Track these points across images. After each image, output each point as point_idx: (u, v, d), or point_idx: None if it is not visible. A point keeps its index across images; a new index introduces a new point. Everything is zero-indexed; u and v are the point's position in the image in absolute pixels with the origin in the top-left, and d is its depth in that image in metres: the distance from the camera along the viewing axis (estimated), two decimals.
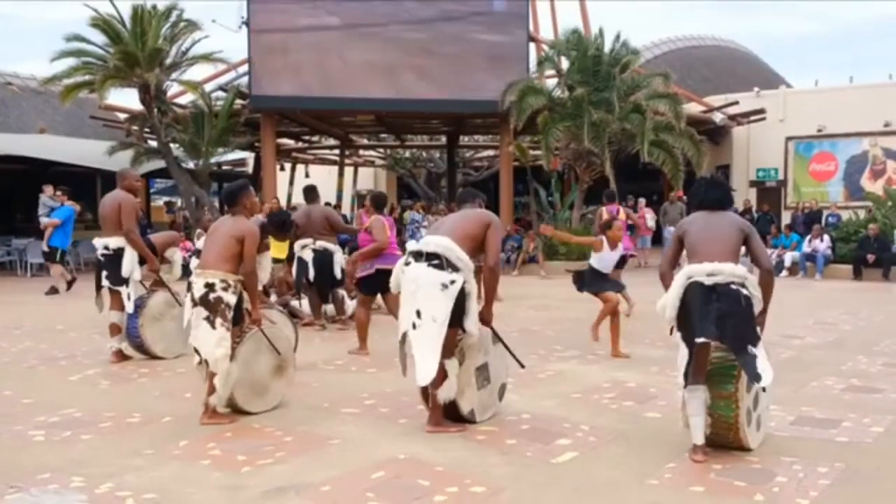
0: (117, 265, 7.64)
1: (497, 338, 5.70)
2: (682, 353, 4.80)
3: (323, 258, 9.52)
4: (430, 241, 5.35)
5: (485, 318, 5.50)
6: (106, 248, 7.76)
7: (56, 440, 5.22)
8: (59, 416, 5.78)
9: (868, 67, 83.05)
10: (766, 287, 4.90)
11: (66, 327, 9.87)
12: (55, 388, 6.75)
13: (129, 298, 7.68)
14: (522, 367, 5.95)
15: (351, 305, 10.25)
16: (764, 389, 4.92)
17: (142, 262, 7.81)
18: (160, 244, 8.02)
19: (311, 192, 10.27)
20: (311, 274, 9.55)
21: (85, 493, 4.23)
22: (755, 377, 4.60)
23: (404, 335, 5.31)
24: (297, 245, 9.55)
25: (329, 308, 10.00)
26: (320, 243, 9.52)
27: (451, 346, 5.27)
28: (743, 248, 4.95)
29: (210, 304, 5.51)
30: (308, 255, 9.55)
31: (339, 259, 9.69)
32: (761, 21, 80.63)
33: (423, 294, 5.20)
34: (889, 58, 73.96)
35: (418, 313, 5.20)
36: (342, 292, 9.91)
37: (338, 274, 9.61)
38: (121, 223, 7.66)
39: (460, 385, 5.33)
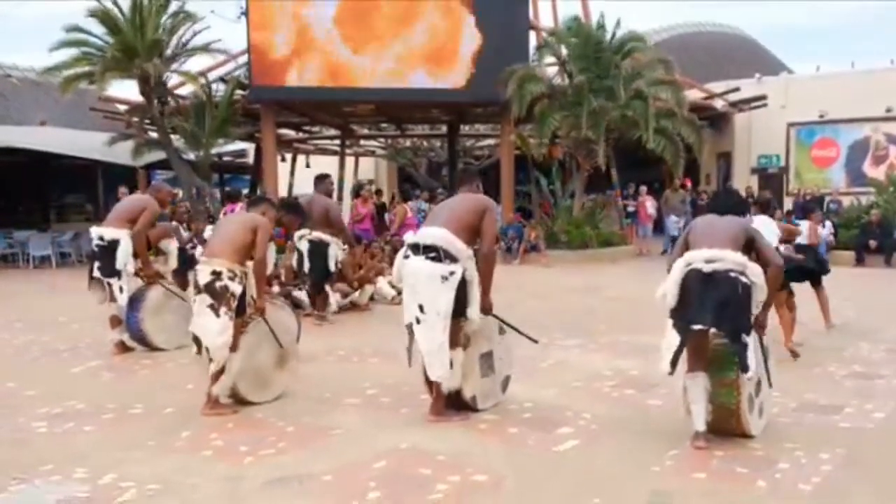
0: (110, 256, 7.62)
1: (503, 322, 5.69)
2: (669, 339, 4.79)
3: (317, 249, 9.41)
4: (427, 234, 5.34)
5: (483, 307, 5.42)
6: (101, 238, 7.74)
7: (59, 432, 5.24)
8: (61, 407, 5.80)
9: (869, 53, 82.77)
10: (774, 282, 4.92)
11: (68, 319, 9.88)
12: (58, 380, 6.77)
13: (121, 291, 7.66)
14: (535, 342, 5.95)
15: (333, 303, 10.10)
16: (763, 384, 4.95)
17: (135, 254, 7.80)
18: (154, 237, 8.00)
19: (317, 181, 10.19)
20: (306, 265, 9.47)
21: (87, 485, 4.24)
22: (744, 367, 4.65)
23: (410, 327, 5.31)
24: (296, 235, 9.48)
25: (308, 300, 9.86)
26: (316, 234, 9.37)
27: (456, 336, 5.27)
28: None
29: (215, 293, 5.52)
30: (304, 246, 9.47)
31: (334, 251, 9.50)
32: (762, 9, 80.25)
33: (423, 287, 5.20)
34: (890, 43, 73.60)
35: (421, 307, 5.20)
36: (327, 287, 9.78)
37: (331, 266, 9.47)
38: (133, 220, 7.71)
39: (464, 371, 5.35)
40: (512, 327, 5.77)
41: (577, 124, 17.15)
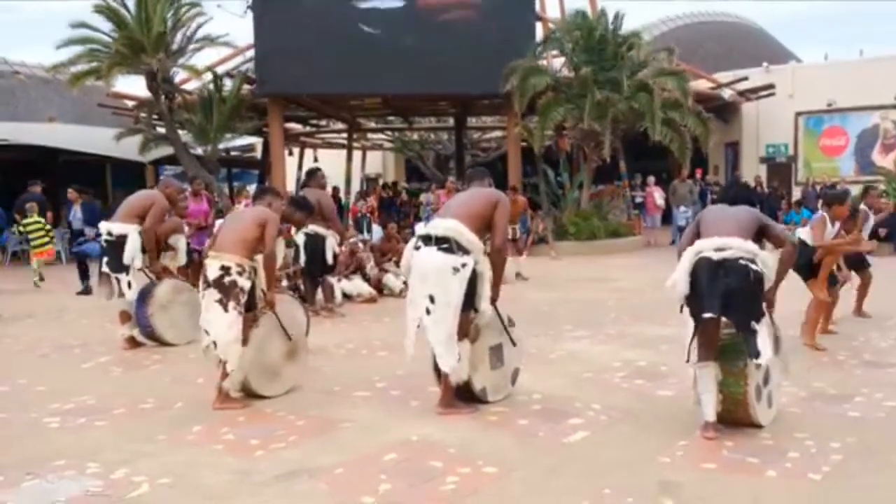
0: (118, 251, 7.64)
1: (498, 316, 5.66)
2: (690, 329, 4.81)
3: (314, 242, 9.34)
4: (439, 225, 5.33)
5: (492, 298, 5.43)
6: (109, 233, 7.76)
7: (71, 427, 5.27)
8: (73, 403, 5.83)
9: (878, 41, 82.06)
10: (787, 260, 4.96)
11: (77, 315, 9.92)
12: (69, 376, 6.80)
13: (129, 286, 7.68)
14: (514, 345, 5.77)
15: (339, 293, 10.12)
16: (772, 374, 4.94)
17: (143, 249, 7.81)
18: (162, 232, 8.01)
19: (308, 175, 10.23)
20: (302, 258, 9.43)
21: (100, 479, 4.27)
22: (754, 354, 4.63)
23: (420, 319, 5.30)
24: (293, 229, 9.45)
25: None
26: (312, 227, 9.24)
27: (465, 328, 5.27)
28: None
29: (224, 288, 5.54)
30: (300, 239, 9.41)
31: (331, 244, 9.41)
32: None
33: (434, 279, 5.19)
34: None
35: (431, 298, 5.19)
36: (331, 280, 9.79)
37: (329, 259, 9.40)
38: (141, 216, 7.73)
39: (473, 362, 5.35)
40: (503, 324, 5.68)
41: (583, 116, 17.11)
